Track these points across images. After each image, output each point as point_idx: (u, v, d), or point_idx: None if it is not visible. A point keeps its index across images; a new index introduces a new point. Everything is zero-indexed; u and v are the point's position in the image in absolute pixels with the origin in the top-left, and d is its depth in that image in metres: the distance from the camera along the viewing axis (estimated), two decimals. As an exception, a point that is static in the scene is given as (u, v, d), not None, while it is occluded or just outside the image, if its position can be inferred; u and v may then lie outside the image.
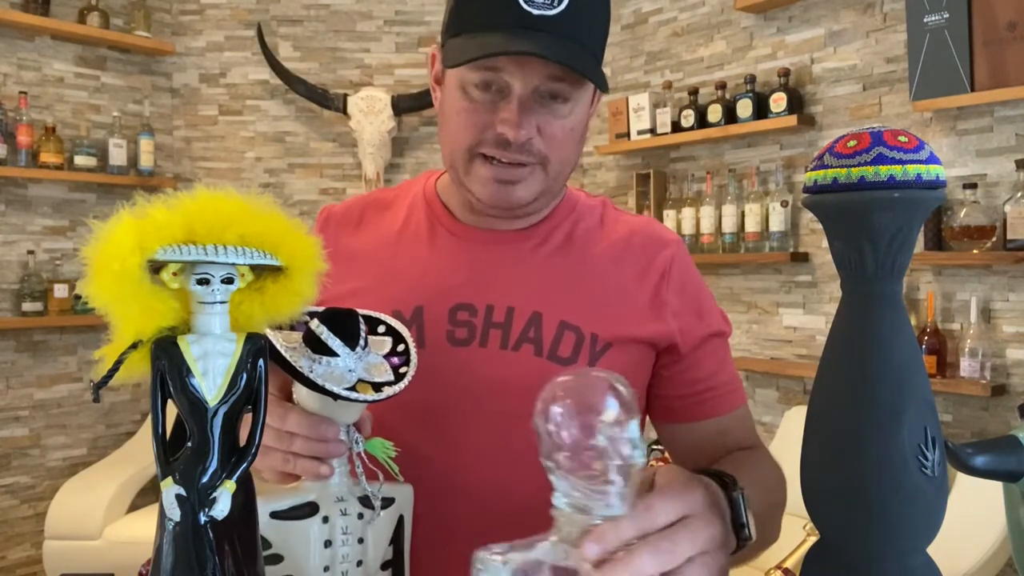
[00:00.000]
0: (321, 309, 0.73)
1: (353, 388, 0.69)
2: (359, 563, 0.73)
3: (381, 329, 0.78)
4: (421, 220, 1.00)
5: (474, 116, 0.87)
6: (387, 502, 0.76)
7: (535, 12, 0.80)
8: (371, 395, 0.69)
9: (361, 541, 0.73)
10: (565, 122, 0.88)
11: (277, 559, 0.70)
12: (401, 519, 0.78)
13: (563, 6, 0.81)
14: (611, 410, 0.56)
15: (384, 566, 0.76)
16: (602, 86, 0.86)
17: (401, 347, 0.77)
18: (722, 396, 1.00)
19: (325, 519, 0.72)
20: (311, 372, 0.68)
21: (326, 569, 0.71)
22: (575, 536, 0.57)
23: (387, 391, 0.71)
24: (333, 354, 0.71)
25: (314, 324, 0.71)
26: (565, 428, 0.57)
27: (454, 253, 0.97)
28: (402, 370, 0.74)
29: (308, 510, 0.71)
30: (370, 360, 0.73)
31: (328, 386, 0.68)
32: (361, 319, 0.74)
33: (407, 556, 0.78)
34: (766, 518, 0.80)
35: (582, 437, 0.56)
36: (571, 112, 0.88)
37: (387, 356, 0.75)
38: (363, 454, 0.74)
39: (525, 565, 0.57)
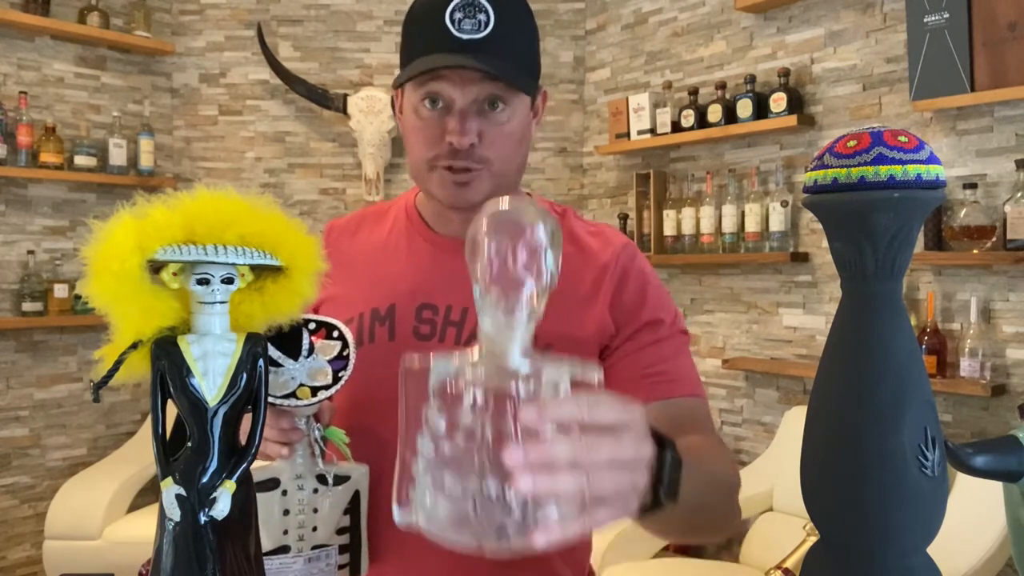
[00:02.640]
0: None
1: (294, 393, 0.84)
2: (314, 528, 0.89)
3: (335, 334, 0.89)
4: (402, 229, 1.15)
5: (426, 131, 1.01)
6: (342, 479, 0.90)
7: (465, 37, 0.95)
8: (305, 400, 0.85)
9: (316, 511, 0.89)
10: (504, 127, 1.01)
11: None
12: (357, 493, 0.92)
13: (489, 29, 0.96)
14: (534, 236, 0.62)
15: (341, 531, 0.91)
16: (528, 91, 1.01)
17: (346, 352, 0.88)
18: (663, 383, 1.03)
19: (284, 492, 0.87)
20: None
21: (285, 532, 0.87)
22: (496, 353, 0.61)
23: (320, 395, 0.86)
24: (278, 365, 0.84)
25: None
26: (487, 249, 0.62)
27: (425, 259, 1.11)
28: (340, 374, 0.87)
29: (271, 484, 0.87)
30: (314, 366, 0.86)
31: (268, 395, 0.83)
32: (307, 333, 0.86)
33: (363, 523, 0.92)
34: (699, 501, 0.81)
35: (503, 259, 0.61)
36: (509, 118, 1.01)
37: (333, 360, 0.88)
38: (320, 440, 0.88)
39: (446, 375, 0.61)
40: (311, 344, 0.86)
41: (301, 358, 0.85)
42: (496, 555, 0.59)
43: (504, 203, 0.64)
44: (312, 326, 0.88)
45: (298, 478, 0.88)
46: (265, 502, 0.86)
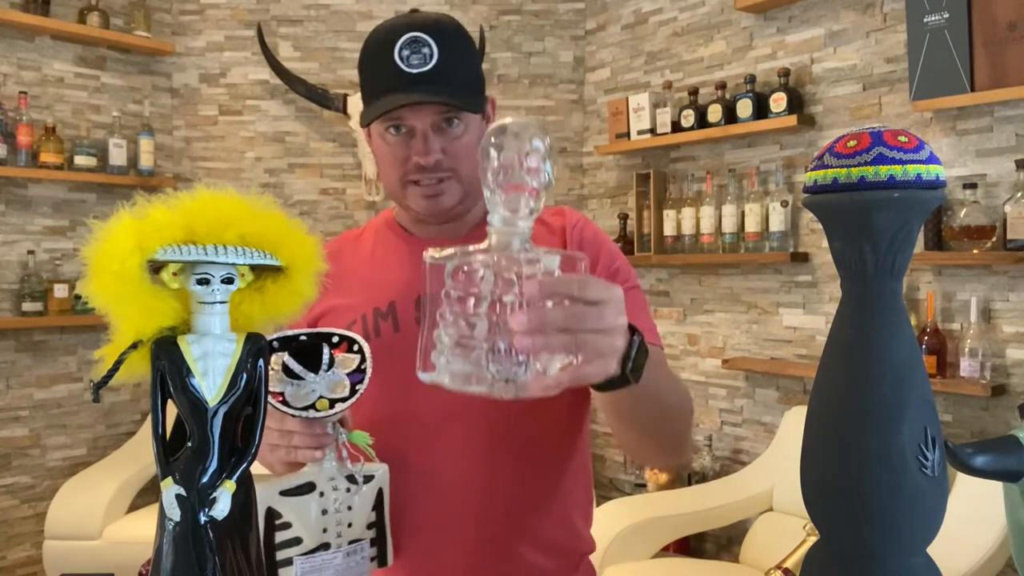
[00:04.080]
0: (303, 335, 0.91)
1: (313, 404, 0.90)
2: (349, 524, 0.95)
3: (355, 348, 0.94)
4: (387, 240, 1.26)
5: (395, 154, 1.14)
6: (368, 478, 0.97)
7: (414, 72, 1.08)
8: (323, 412, 0.90)
9: (350, 508, 0.95)
10: (462, 139, 1.13)
11: (287, 525, 0.91)
12: (381, 491, 0.99)
13: (434, 61, 1.08)
14: (536, 147, 0.73)
15: (370, 526, 0.98)
16: (475, 110, 1.14)
17: (363, 366, 0.93)
18: None
19: (321, 494, 0.93)
20: (283, 391, 0.90)
21: (324, 530, 0.93)
22: (504, 243, 0.73)
23: (337, 407, 0.91)
24: (300, 378, 0.89)
25: (285, 358, 0.89)
26: (495, 156, 0.73)
27: (415, 258, 1.21)
28: (357, 387, 0.92)
29: (308, 488, 0.93)
30: (334, 379, 0.91)
31: (288, 407, 0.89)
32: (327, 347, 0.91)
33: (387, 518, 1.00)
34: (661, 400, 0.99)
35: (509, 164, 0.72)
36: (465, 131, 1.14)
37: (352, 372, 0.92)
38: (347, 443, 0.95)
39: (463, 262, 0.73)
40: (331, 357, 0.91)
41: (321, 371, 0.90)
42: (503, 398, 0.72)
43: (509, 119, 0.75)
44: (335, 339, 0.92)
45: (331, 480, 0.94)
46: (304, 504, 0.92)
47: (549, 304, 0.71)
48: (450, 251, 0.75)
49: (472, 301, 0.73)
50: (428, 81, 1.08)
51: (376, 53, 1.12)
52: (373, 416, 1.07)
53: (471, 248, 0.74)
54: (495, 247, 0.74)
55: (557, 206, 1.27)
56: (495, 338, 0.72)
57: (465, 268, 0.73)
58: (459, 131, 1.13)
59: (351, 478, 0.95)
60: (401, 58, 1.08)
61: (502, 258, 0.73)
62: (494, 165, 0.73)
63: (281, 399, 0.89)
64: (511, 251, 0.73)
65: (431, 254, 0.76)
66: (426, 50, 1.08)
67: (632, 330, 0.81)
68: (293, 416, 0.90)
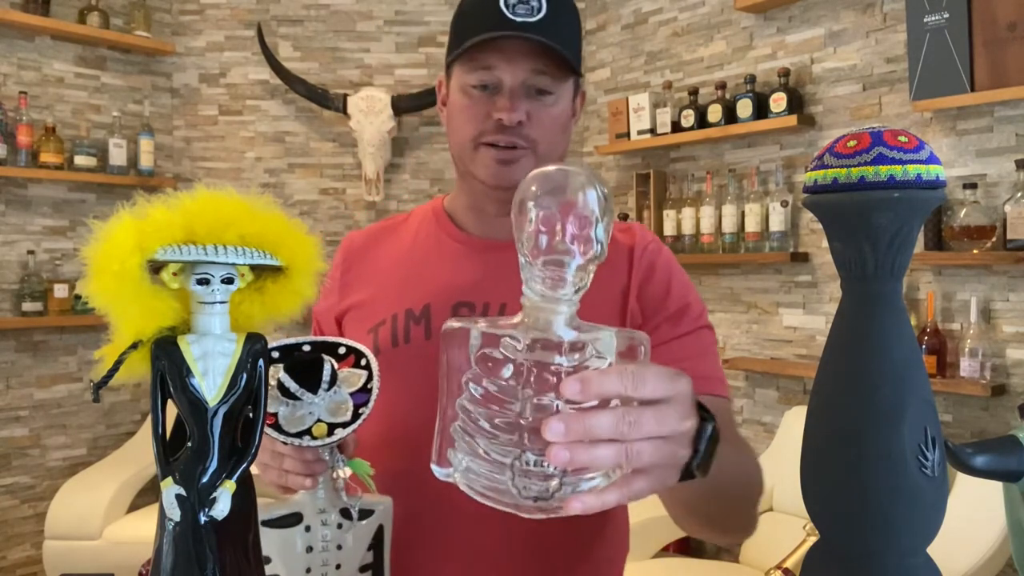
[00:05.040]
0: (306, 343, 0.81)
1: (309, 430, 0.79)
2: (338, 566, 0.83)
3: (363, 362, 0.84)
4: (431, 232, 1.15)
5: (474, 109, 1.03)
6: (366, 513, 0.85)
7: (519, 19, 0.99)
8: (320, 439, 0.79)
9: (340, 547, 0.83)
10: (551, 110, 1.04)
11: (266, 560, 0.80)
12: (381, 528, 0.86)
13: (542, 14, 0.99)
14: (585, 206, 0.58)
15: (364, 569, 0.85)
16: (573, 71, 1.03)
17: (369, 385, 0.83)
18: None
19: (308, 528, 0.82)
20: (276, 412, 0.79)
21: (308, 570, 0.82)
22: (540, 322, 0.59)
23: (337, 433, 0.80)
24: (297, 398, 0.80)
25: (281, 375, 0.80)
26: (534, 217, 0.58)
27: (458, 259, 1.10)
28: (360, 411, 0.82)
29: (293, 520, 0.82)
30: (335, 399, 0.81)
31: (280, 431, 0.78)
32: (330, 364, 0.81)
33: (387, 560, 0.86)
34: (727, 487, 0.82)
35: (551, 229, 0.58)
36: (555, 102, 1.04)
37: (357, 392, 0.82)
38: (343, 472, 0.83)
39: (489, 338, 0.59)
40: (334, 374, 0.81)
41: (321, 391, 0.80)
42: (532, 517, 0.58)
43: (553, 168, 0.61)
44: (342, 351, 0.82)
45: (321, 512, 0.82)
46: (287, 538, 0.81)
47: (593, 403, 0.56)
48: (479, 325, 0.60)
49: (498, 398, 0.58)
50: (532, 30, 0.99)
51: (479, 1, 1.02)
52: (393, 433, 0.97)
53: (501, 322, 0.60)
54: (531, 326, 0.59)
55: (627, 222, 1.17)
56: (524, 449, 0.57)
57: (491, 354, 0.59)
58: (549, 100, 1.03)
59: (345, 512, 0.83)
60: (507, 5, 0.99)
61: (538, 344, 0.57)
62: (530, 227, 0.58)
63: (273, 422, 0.78)
64: (549, 335, 0.58)
65: (451, 325, 0.63)
66: (535, 3, 1.00)
67: (703, 414, 0.65)
68: (284, 443, 0.79)
